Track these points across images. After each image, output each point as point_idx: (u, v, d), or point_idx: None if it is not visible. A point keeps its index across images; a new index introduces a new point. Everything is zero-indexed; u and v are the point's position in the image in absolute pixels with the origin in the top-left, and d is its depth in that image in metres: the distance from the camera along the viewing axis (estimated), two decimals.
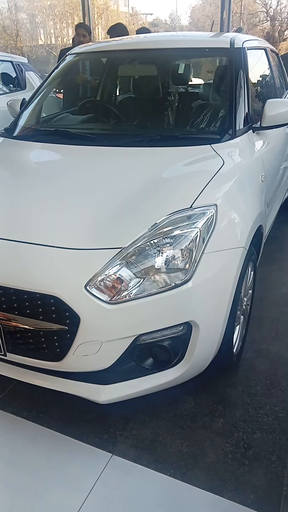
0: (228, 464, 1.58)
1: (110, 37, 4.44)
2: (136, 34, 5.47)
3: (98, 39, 28.41)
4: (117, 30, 4.48)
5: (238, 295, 1.73)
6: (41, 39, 31.42)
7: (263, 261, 3.06)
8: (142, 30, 5.41)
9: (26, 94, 4.72)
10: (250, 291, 2.14)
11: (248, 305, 2.14)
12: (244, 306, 2.04)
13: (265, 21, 25.07)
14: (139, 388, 1.57)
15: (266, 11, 24.38)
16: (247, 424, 1.75)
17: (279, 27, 23.82)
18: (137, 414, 1.81)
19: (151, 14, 40.99)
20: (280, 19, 23.99)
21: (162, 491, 1.50)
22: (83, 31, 4.76)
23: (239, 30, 9.63)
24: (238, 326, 1.97)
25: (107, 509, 1.44)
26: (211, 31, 3.77)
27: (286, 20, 23.80)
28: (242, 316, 2.02)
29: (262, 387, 1.94)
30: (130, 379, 1.56)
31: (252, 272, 2.07)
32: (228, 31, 5.66)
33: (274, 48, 3.45)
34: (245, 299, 2.03)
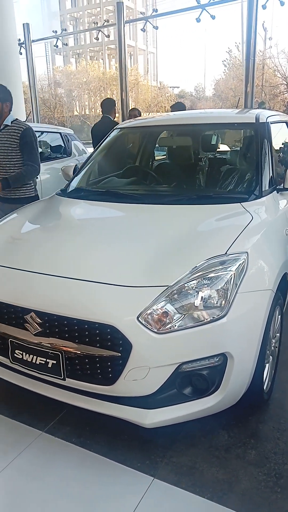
0: (261, 491, 1.71)
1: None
2: (171, 108, 6.18)
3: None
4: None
5: (267, 334, 1.94)
6: (76, 110, 34.58)
7: None
8: (178, 105, 6.06)
9: (72, 160, 5.34)
10: (278, 334, 2.33)
11: (276, 347, 2.32)
12: (272, 347, 2.22)
13: (286, 92, 26.74)
14: (179, 414, 1.75)
15: (286, 83, 26.10)
16: (278, 456, 1.87)
17: None
18: (176, 444, 1.96)
19: (177, 87, 44.21)
20: None
21: None
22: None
23: (261, 104, 10.37)
24: (268, 365, 2.14)
25: None
26: (237, 107, 4.27)
27: None
28: (271, 356, 2.20)
29: None
30: (171, 404, 1.75)
31: (279, 316, 2.28)
32: (252, 103, 6.22)
33: None
34: (273, 340, 2.22)
